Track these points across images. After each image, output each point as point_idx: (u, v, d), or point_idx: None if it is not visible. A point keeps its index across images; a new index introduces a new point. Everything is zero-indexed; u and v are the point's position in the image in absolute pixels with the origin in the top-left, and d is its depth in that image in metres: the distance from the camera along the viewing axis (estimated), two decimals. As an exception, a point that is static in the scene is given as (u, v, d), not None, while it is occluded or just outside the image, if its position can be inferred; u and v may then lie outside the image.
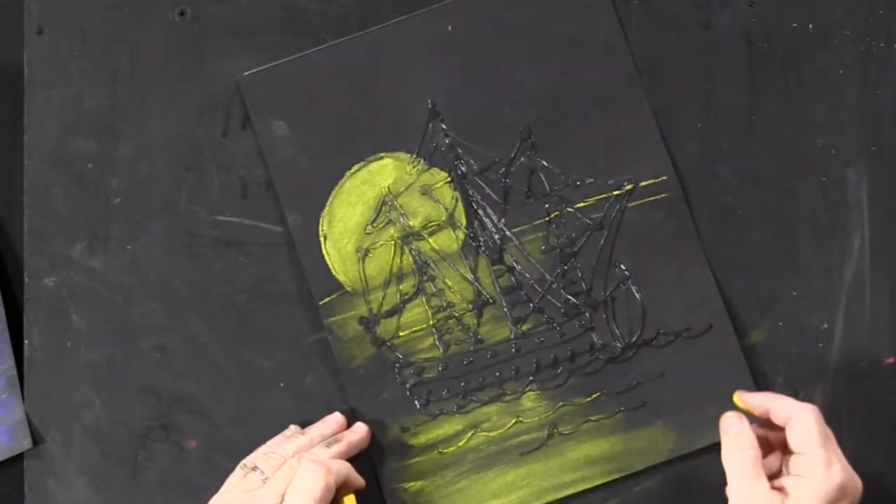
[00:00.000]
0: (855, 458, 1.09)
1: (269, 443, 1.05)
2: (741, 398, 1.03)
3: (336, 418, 1.07)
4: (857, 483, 0.97)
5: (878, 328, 1.11)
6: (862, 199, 1.11)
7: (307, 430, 1.07)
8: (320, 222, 1.10)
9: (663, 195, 1.10)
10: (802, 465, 0.96)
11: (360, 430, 1.07)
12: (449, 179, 1.11)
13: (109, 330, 1.10)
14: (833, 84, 1.12)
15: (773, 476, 0.99)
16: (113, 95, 1.12)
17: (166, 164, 1.12)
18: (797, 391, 1.10)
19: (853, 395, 1.10)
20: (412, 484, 1.09)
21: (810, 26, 1.12)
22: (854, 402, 1.10)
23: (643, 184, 1.10)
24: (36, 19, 1.13)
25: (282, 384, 1.10)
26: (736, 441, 0.98)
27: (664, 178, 1.10)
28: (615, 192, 1.10)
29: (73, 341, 1.10)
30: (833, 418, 1.10)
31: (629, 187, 1.10)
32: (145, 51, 1.13)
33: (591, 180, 1.10)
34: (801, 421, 0.97)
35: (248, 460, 1.03)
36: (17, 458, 1.09)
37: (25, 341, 1.10)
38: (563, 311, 1.10)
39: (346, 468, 1.02)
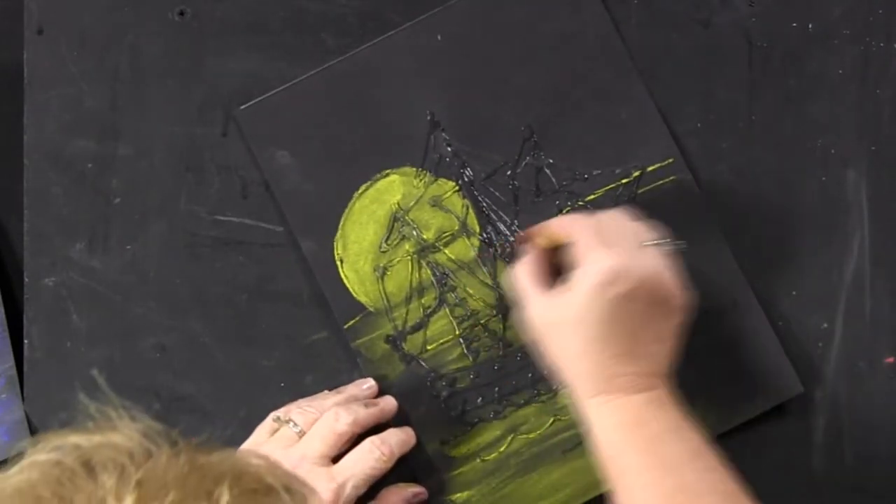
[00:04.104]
0: (855, 457, 1.10)
1: (301, 400, 1.05)
2: (532, 234, 1.03)
3: (369, 383, 1.08)
4: (638, 272, 0.95)
5: (878, 328, 1.11)
6: (862, 199, 1.11)
7: (340, 389, 1.07)
8: (335, 246, 1.10)
9: (672, 178, 1.10)
10: (575, 256, 0.96)
11: (392, 401, 1.07)
12: (457, 188, 1.11)
13: (109, 330, 1.10)
14: (833, 84, 1.12)
15: None
16: (113, 95, 1.12)
17: (166, 164, 1.12)
18: (797, 391, 1.10)
19: (853, 395, 1.10)
20: (459, 495, 1.08)
21: (810, 26, 1.12)
22: (854, 402, 1.10)
23: (650, 169, 1.10)
24: (36, 19, 1.12)
25: (282, 384, 1.10)
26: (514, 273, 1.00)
27: (670, 160, 1.10)
28: (623, 181, 1.10)
29: (73, 341, 1.10)
30: (833, 418, 1.10)
31: (637, 174, 1.10)
32: (145, 51, 1.12)
33: (598, 172, 1.10)
34: (573, 221, 0.99)
35: (282, 412, 1.02)
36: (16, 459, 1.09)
37: (25, 341, 1.10)
38: (587, 304, 1.10)
39: (400, 440, 1.04)
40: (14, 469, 0.68)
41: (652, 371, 0.96)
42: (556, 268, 1.00)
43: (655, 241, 0.98)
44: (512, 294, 1.02)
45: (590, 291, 0.94)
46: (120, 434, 0.69)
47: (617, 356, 0.94)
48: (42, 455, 0.68)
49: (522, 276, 1.00)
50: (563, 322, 0.95)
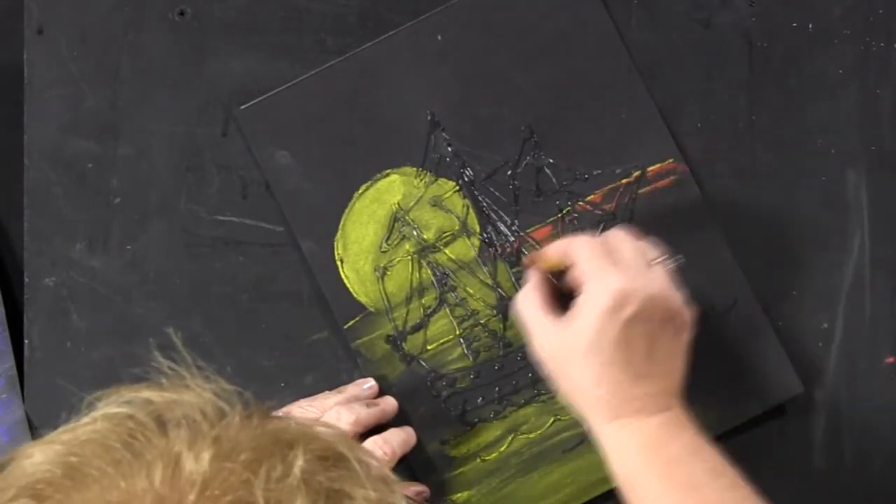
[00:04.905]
0: (855, 457, 1.10)
1: (302, 401, 1.05)
2: (535, 258, 1.03)
3: (370, 383, 1.08)
4: (647, 291, 0.94)
5: (878, 328, 1.11)
6: (862, 199, 1.11)
7: (340, 389, 1.07)
8: (335, 246, 1.10)
9: (672, 178, 1.10)
10: (579, 279, 0.96)
11: (392, 401, 1.07)
12: (457, 188, 1.10)
13: (109, 330, 1.10)
14: (833, 84, 1.12)
15: None
16: (113, 95, 1.12)
17: (166, 164, 1.12)
18: (797, 391, 1.10)
19: (853, 395, 1.11)
20: (459, 495, 1.08)
21: (810, 26, 1.12)
22: (854, 402, 1.10)
23: (650, 169, 1.10)
24: (36, 19, 1.12)
25: (282, 384, 1.10)
26: (518, 303, 1.00)
27: (671, 160, 1.10)
28: (624, 181, 1.10)
29: (73, 341, 1.10)
30: (833, 418, 1.10)
31: (637, 174, 1.10)
32: (145, 51, 1.12)
33: (599, 172, 1.10)
34: (577, 244, 0.98)
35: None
36: (16, 459, 1.09)
37: (25, 341, 1.10)
38: (587, 304, 1.10)
39: (401, 439, 1.04)
40: (85, 419, 0.68)
41: (667, 390, 0.96)
42: (563, 292, 1.00)
43: (660, 259, 0.97)
44: (518, 324, 1.02)
45: (601, 315, 0.93)
46: (192, 392, 0.69)
47: (633, 378, 0.94)
48: (113, 408, 0.68)
49: (526, 305, 0.99)
50: (575, 351, 0.95)
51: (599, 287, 0.94)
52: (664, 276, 0.96)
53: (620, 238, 0.98)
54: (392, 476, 0.72)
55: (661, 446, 0.94)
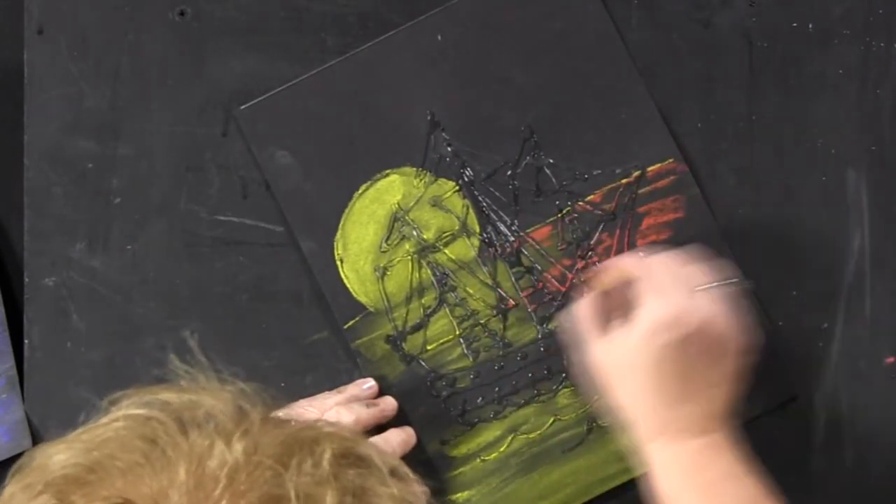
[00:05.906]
0: (855, 457, 1.09)
1: (302, 401, 1.05)
2: (590, 281, 1.04)
3: (370, 383, 1.08)
4: (689, 319, 0.94)
5: (878, 328, 1.11)
6: (862, 199, 1.11)
7: (340, 389, 1.07)
8: (335, 246, 1.10)
9: (672, 177, 1.10)
10: (636, 296, 0.97)
11: (392, 401, 1.07)
12: (457, 188, 1.10)
13: (109, 330, 1.10)
14: (833, 84, 1.12)
15: None
16: (113, 95, 1.12)
17: (166, 164, 1.12)
18: (797, 391, 1.10)
19: (853, 395, 1.10)
20: (459, 495, 1.08)
21: (810, 26, 1.12)
22: (854, 402, 1.10)
23: (650, 169, 1.10)
24: (36, 19, 1.12)
25: (282, 384, 1.10)
26: (574, 313, 1.01)
27: (670, 160, 1.11)
28: (624, 181, 1.10)
29: (73, 341, 1.10)
30: (833, 418, 1.10)
31: (637, 174, 1.10)
32: (145, 51, 1.12)
33: (599, 171, 1.10)
34: (631, 262, 1.00)
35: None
36: (17, 458, 1.09)
37: (25, 341, 1.10)
38: (587, 304, 1.10)
39: (402, 440, 1.04)
40: (104, 419, 0.69)
41: (708, 415, 0.96)
42: (614, 308, 1.01)
43: (711, 285, 0.97)
44: (570, 334, 1.03)
45: (640, 338, 0.95)
46: (210, 394, 0.69)
47: (668, 403, 0.95)
48: (133, 409, 0.69)
49: (583, 316, 1.00)
50: (620, 365, 0.96)
51: (645, 311, 0.95)
52: (714, 303, 0.96)
53: (670, 263, 0.99)
54: (411, 474, 0.73)
55: (700, 470, 0.95)
